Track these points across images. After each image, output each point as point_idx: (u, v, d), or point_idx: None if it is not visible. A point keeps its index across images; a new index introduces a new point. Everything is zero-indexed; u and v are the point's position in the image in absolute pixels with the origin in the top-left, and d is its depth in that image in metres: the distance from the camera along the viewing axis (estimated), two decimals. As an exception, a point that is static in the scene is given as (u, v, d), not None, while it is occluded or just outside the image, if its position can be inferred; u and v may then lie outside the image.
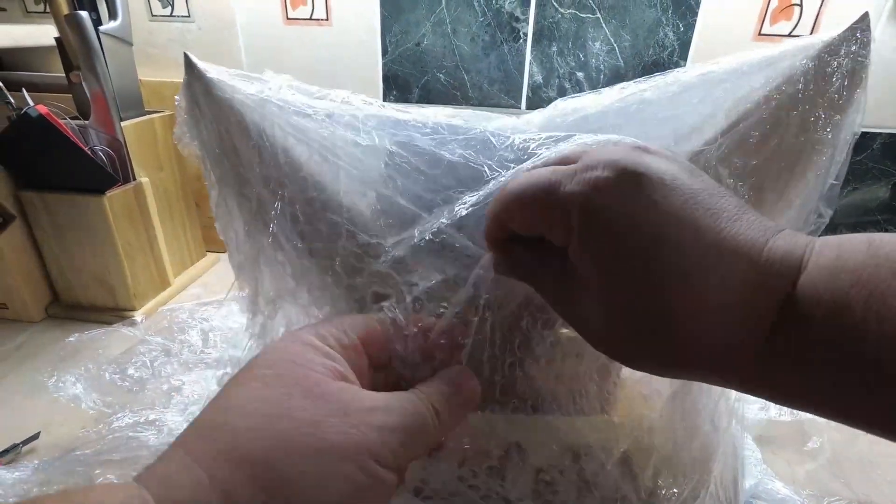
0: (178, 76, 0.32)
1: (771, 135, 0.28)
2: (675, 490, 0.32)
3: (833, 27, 0.28)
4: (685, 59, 0.65)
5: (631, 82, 0.31)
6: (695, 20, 0.62)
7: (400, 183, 0.29)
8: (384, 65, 0.71)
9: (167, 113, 0.68)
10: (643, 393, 0.34)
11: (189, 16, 0.72)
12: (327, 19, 0.70)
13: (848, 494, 0.44)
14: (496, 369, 0.32)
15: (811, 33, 0.61)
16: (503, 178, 0.26)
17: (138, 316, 0.62)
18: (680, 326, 0.18)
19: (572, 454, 0.33)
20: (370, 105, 0.32)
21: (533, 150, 0.28)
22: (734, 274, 0.18)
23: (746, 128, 0.28)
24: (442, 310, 0.30)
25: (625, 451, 0.33)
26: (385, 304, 0.27)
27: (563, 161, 0.23)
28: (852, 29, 0.27)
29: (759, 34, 0.62)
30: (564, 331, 0.32)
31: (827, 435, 0.48)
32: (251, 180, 0.30)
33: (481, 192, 0.27)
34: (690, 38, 0.64)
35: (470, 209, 0.27)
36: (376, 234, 0.29)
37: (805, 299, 0.17)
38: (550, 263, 0.22)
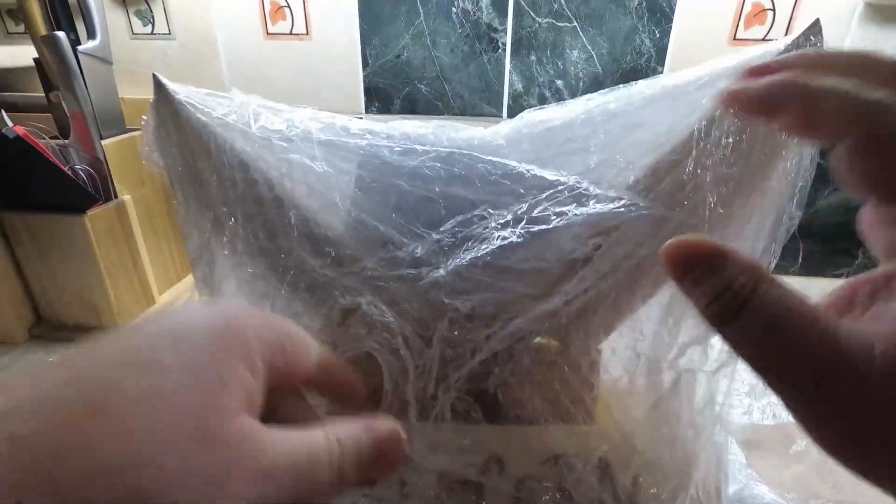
0: (161, 93, 0.33)
1: (740, 141, 0.29)
2: (653, 490, 0.32)
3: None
4: (662, 64, 0.65)
5: (595, 94, 0.31)
6: (670, 27, 0.63)
7: (368, 203, 0.30)
8: (365, 77, 0.71)
9: (149, 130, 0.68)
10: (621, 400, 0.34)
11: (170, 33, 0.72)
12: (307, 33, 0.70)
13: (835, 496, 0.44)
14: (477, 382, 0.32)
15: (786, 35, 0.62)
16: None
17: (122, 334, 0.61)
18: None
19: (552, 462, 0.33)
20: (334, 118, 0.33)
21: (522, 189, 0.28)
22: None
23: (718, 135, 0.29)
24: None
25: (604, 456, 0.33)
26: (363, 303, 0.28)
27: None
28: (805, 34, 0.28)
29: (735, 38, 0.63)
30: (543, 340, 0.32)
31: (812, 437, 0.48)
32: (211, 200, 0.31)
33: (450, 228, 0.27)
34: (667, 44, 0.64)
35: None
36: (344, 250, 0.30)
37: None
38: None
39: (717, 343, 0.32)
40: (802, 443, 0.48)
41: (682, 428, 0.32)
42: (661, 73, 0.65)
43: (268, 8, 0.69)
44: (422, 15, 0.66)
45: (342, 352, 0.28)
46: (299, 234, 0.29)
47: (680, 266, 0.14)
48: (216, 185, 0.31)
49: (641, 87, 0.30)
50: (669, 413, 0.32)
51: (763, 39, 0.63)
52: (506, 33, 0.66)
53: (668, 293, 0.31)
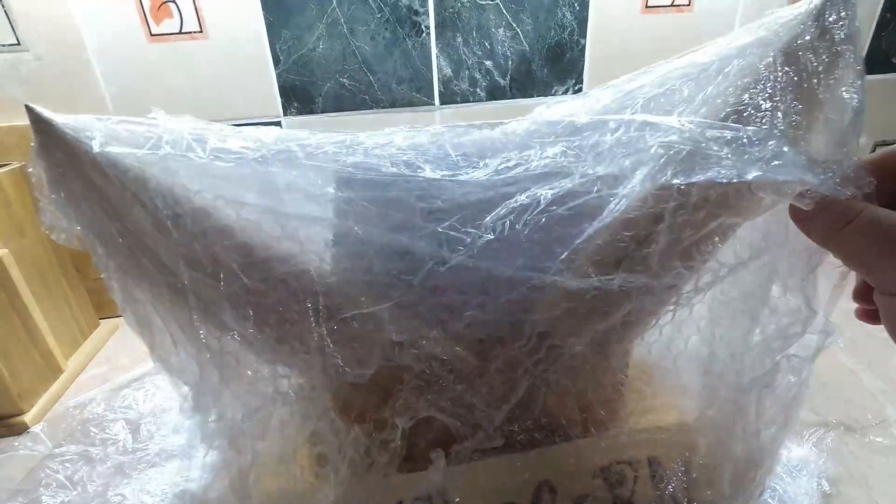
0: (20, 118, 0.24)
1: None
2: (709, 490, 0.32)
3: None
4: (584, 36, 0.66)
5: (613, 82, 0.28)
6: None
7: (358, 229, 0.25)
8: (278, 76, 0.64)
9: (14, 165, 0.55)
10: (671, 397, 0.33)
11: (19, 43, 0.58)
12: (201, 31, 0.61)
13: (815, 419, 0.47)
14: (513, 405, 0.29)
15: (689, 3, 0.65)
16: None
17: (35, 424, 0.50)
18: None
19: (603, 476, 0.32)
20: (293, 133, 0.27)
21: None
22: None
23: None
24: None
25: (653, 457, 0.32)
26: None
27: None
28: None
29: (647, 7, 0.65)
30: (578, 349, 0.30)
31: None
32: (168, 262, 0.24)
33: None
34: (587, 16, 0.65)
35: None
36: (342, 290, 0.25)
37: None
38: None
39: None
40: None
41: (764, 421, 0.30)
42: (585, 45, 0.66)
43: (147, 5, 0.58)
44: (334, 1, 0.60)
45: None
46: (311, 278, 0.24)
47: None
48: (177, 243, 0.24)
49: (674, 65, 0.27)
50: (751, 406, 0.30)
51: (671, 6, 0.65)
52: (428, 15, 0.62)
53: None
